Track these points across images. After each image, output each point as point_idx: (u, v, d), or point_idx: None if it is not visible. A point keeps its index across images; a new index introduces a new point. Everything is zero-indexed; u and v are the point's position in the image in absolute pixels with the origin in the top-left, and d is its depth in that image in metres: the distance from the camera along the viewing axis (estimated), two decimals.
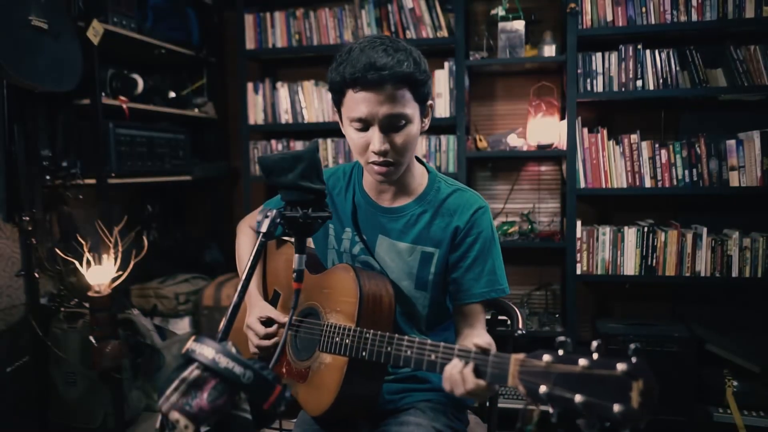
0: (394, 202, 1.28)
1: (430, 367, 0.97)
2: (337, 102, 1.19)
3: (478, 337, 1.16)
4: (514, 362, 0.81)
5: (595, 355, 0.71)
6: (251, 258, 0.94)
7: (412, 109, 1.14)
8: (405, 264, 1.26)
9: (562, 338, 0.75)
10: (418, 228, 1.24)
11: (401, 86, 1.11)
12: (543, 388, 0.74)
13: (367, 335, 1.08)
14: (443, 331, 1.33)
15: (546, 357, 0.75)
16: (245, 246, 1.47)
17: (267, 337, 1.26)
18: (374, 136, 1.13)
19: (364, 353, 1.08)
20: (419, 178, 1.28)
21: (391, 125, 1.13)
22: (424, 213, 1.25)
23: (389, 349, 1.04)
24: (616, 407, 0.66)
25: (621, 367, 0.68)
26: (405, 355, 1.02)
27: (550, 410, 0.73)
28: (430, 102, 1.22)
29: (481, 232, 1.22)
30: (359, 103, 1.12)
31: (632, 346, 0.69)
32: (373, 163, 1.16)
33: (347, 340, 1.11)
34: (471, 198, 1.25)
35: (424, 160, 1.35)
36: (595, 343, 0.72)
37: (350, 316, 1.15)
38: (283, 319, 1.28)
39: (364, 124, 1.14)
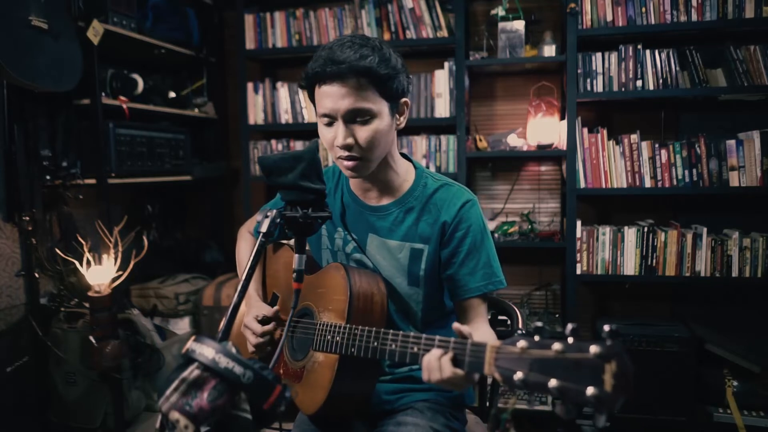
0: (380, 200, 1.28)
1: (413, 359, 0.98)
2: (312, 101, 1.21)
3: (475, 331, 1.16)
4: (491, 350, 0.80)
5: (570, 339, 0.70)
6: (251, 258, 0.94)
7: (376, 104, 1.14)
8: (396, 261, 1.26)
9: (538, 324, 0.75)
10: (406, 225, 1.25)
11: (363, 80, 1.11)
12: (518, 375, 0.73)
13: (356, 331, 1.08)
14: (440, 328, 1.33)
15: (521, 343, 0.75)
16: (244, 251, 1.48)
17: (264, 335, 1.27)
18: (338, 129, 1.14)
19: (353, 350, 1.08)
20: (404, 175, 1.28)
21: (354, 119, 1.14)
22: (411, 210, 1.25)
23: (376, 343, 1.05)
24: (590, 390, 0.65)
25: (594, 349, 0.67)
26: (390, 349, 1.02)
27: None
28: (404, 100, 1.21)
29: (470, 225, 1.22)
30: (324, 97, 1.14)
31: (606, 327, 0.67)
32: (340, 157, 1.17)
33: (338, 338, 1.11)
34: (458, 192, 1.25)
35: (423, 160, 1.36)
36: (570, 326, 0.71)
37: (341, 313, 1.15)
38: (281, 317, 1.28)
39: (330, 119, 1.15)
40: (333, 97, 1.12)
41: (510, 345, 0.77)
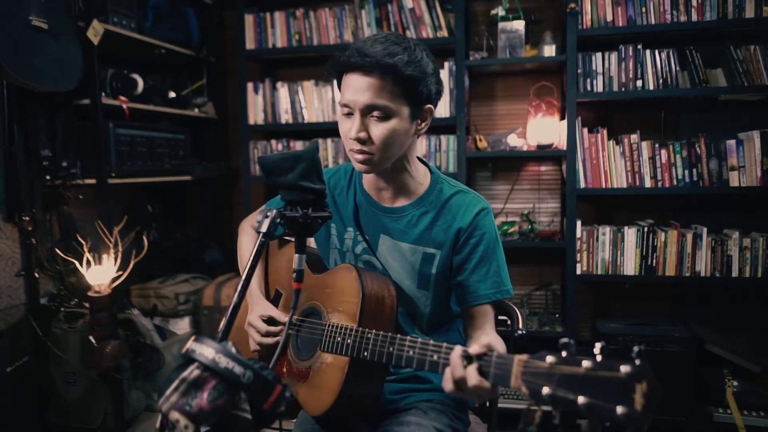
0: (394, 202, 1.28)
1: (432, 367, 0.97)
2: (340, 88, 1.21)
3: (486, 337, 1.16)
4: (518, 363, 0.80)
5: (599, 357, 0.71)
6: (251, 258, 0.94)
7: (396, 104, 1.14)
8: (407, 264, 1.26)
9: (565, 340, 0.75)
10: (419, 229, 1.24)
11: (387, 77, 1.11)
12: (546, 390, 0.73)
13: (369, 335, 1.08)
14: (446, 332, 1.33)
15: (549, 358, 0.75)
16: (246, 246, 1.47)
17: (269, 335, 1.27)
18: (354, 121, 1.15)
19: (365, 353, 1.07)
20: (420, 178, 1.28)
21: (371, 115, 1.14)
22: (426, 214, 1.25)
23: (391, 349, 1.04)
24: (620, 409, 0.66)
25: (624, 369, 0.67)
26: (407, 356, 1.01)
27: (552, 411, 0.73)
28: (429, 106, 1.20)
29: (484, 233, 1.22)
30: (347, 87, 1.15)
31: (636, 348, 0.68)
32: (352, 150, 1.17)
33: (349, 340, 1.11)
34: (473, 200, 1.25)
35: (425, 160, 1.35)
36: (598, 345, 0.72)
37: (352, 316, 1.14)
38: (284, 318, 1.28)
39: (349, 110, 1.16)
40: (355, 88, 1.13)
41: (538, 359, 0.77)
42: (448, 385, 0.91)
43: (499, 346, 1.14)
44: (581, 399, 0.69)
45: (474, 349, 0.88)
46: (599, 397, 0.68)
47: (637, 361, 0.68)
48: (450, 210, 1.24)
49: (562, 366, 0.74)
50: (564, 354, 0.74)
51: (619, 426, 0.66)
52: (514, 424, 0.79)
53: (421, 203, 1.26)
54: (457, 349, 0.90)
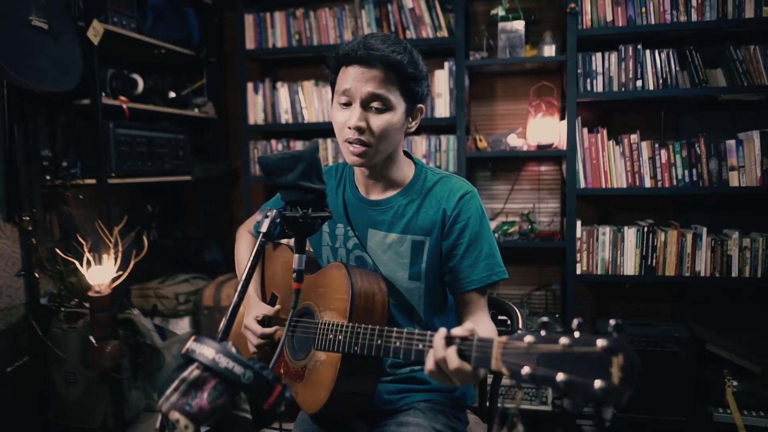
0: (382, 195, 1.29)
1: (418, 356, 0.98)
2: (333, 83, 1.23)
3: (478, 324, 1.16)
4: (498, 345, 0.81)
5: (577, 334, 0.71)
6: (251, 258, 0.94)
7: (396, 99, 1.17)
8: (397, 255, 1.26)
9: (544, 319, 0.75)
10: (406, 218, 1.25)
11: (389, 73, 1.15)
12: (526, 369, 0.73)
13: (359, 330, 1.09)
14: (444, 321, 1.33)
15: (528, 338, 0.75)
16: (244, 251, 1.48)
17: (264, 337, 1.27)
18: (353, 111, 1.17)
19: (356, 348, 1.08)
20: (406, 170, 1.30)
21: (372, 106, 1.16)
22: (412, 202, 1.26)
23: (379, 341, 1.05)
24: (597, 383, 0.66)
25: (601, 343, 0.67)
26: (394, 346, 1.02)
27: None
28: (420, 105, 1.24)
29: (470, 217, 1.23)
30: (348, 78, 1.17)
31: (612, 321, 0.68)
32: (348, 141, 1.18)
33: (340, 337, 1.12)
34: (457, 184, 1.26)
35: (423, 160, 1.36)
36: (576, 321, 0.71)
37: (343, 312, 1.15)
38: (281, 317, 1.28)
39: (348, 99, 1.17)
40: (357, 78, 1.15)
41: (517, 340, 0.77)
42: (429, 365, 0.91)
43: (488, 331, 1.14)
44: (560, 376, 0.69)
45: (456, 331, 0.89)
46: (577, 373, 0.68)
47: (614, 335, 0.67)
48: (435, 196, 1.25)
49: (541, 344, 0.74)
50: (542, 333, 0.75)
51: (598, 401, 0.66)
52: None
53: (407, 193, 1.27)
54: (441, 331, 0.91)
